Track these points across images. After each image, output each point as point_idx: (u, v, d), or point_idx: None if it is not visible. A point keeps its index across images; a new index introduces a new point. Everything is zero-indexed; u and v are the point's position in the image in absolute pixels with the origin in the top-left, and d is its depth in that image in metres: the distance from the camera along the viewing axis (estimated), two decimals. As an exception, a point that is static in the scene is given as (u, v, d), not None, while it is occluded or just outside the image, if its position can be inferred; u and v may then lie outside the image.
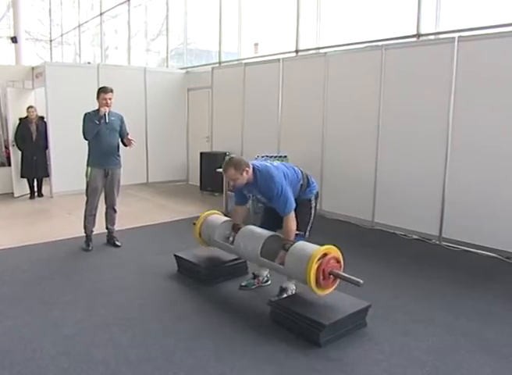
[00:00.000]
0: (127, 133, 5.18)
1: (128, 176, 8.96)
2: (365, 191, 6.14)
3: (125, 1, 13.33)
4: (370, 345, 3.08)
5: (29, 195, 8.10)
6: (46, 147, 8.00)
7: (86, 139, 5.05)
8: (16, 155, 7.98)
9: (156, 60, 13.39)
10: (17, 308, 3.61)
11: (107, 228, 5.35)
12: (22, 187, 8.11)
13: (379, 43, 6.10)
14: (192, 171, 9.74)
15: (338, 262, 3.34)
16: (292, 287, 3.78)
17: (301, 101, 6.90)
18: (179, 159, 9.90)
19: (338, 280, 3.34)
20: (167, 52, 11.58)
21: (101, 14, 15.11)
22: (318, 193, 3.94)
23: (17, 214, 6.93)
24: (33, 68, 9.28)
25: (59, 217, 6.81)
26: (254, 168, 3.63)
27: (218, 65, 9.27)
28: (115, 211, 5.30)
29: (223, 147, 8.34)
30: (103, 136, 4.99)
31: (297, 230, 3.66)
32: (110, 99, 4.96)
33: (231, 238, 3.87)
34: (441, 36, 5.80)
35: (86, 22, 16.63)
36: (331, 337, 3.08)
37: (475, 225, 5.08)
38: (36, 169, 7.95)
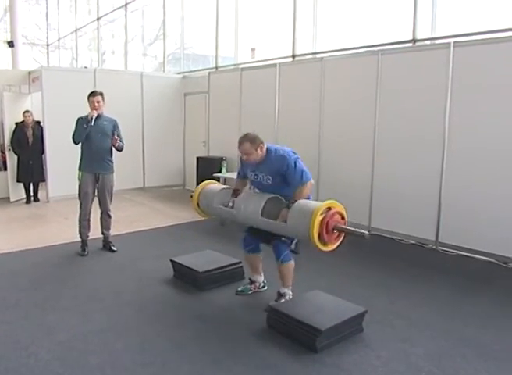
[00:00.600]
0: (116, 136, 5.08)
1: (124, 181, 8.99)
2: (362, 195, 6.13)
3: (122, 6, 13.34)
4: (366, 351, 3.07)
5: (25, 200, 8.07)
6: (42, 151, 7.99)
7: (74, 143, 5.06)
8: (12, 160, 7.96)
9: (153, 65, 13.40)
10: (13, 313, 3.59)
11: (102, 233, 5.34)
12: (18, 191, 8.09)
13: (375, 48, 6.12)
14: (188, 176, 9.72)
15: (342, 217, 3.28)
16: (289, 293, 3.77)
17: (298, 105, 6.91)
18: (175, 164, 9.89)
19: (341, 237, 3.27)
20: (164, 57, 11.59)
21: (98, 19, 15.13)
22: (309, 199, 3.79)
23: (13, 219, 6.90)
24: (29, 72, 9.27)
25: (55, 222, 6.78)
26: (268, 148, 3.62)
27: (214, 70, 9.29)
28: (109, 216, 5.29)
29: (220, 151, 8.34)
30: (94, 140, 4.97)
31: (284, 237, 3.61)
32: (98, 102, 4.96)
33: (230, 204, 3.76)
34: (437, 41, 5.83)
35: (83, 26, 16.64)
36: (327, 343, 3.07)
37: (472, 230, 5.09)
38: (32, 173, 7.93)
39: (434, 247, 5.44)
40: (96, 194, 5.19)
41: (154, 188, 9.49)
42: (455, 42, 5.14)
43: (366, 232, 3.12)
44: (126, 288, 4.15)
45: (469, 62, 5.02)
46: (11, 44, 17.07)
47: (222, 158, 7.98)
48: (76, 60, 17.66)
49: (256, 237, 3.83)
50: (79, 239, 5.22)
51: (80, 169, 5.12)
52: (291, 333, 3.19)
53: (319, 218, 3.13)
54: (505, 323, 3.51)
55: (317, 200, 3.91)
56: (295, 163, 3.51)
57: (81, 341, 3.15)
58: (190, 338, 3.22)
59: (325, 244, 3.22)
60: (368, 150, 6.01)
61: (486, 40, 5.00)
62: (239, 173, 4.01)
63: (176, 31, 11.36)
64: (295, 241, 3.64)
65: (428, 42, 5.98)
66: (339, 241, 3.32)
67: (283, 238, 3.61)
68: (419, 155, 5.52)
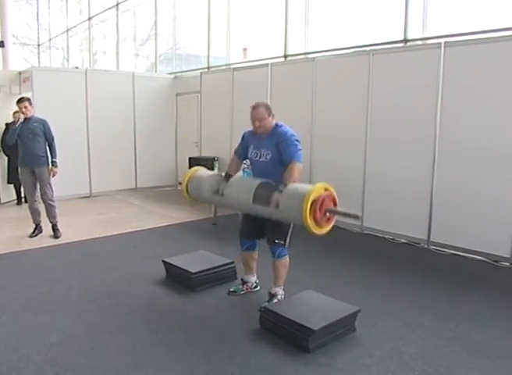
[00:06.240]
0: (54, 166, 5.72)
1: (117, 182, 8.99)
2: (354, 194, 6.14)
3: (113, 6, 13.30)
4: (359, 350, 3.08)
5: (16, 201, 8.01)
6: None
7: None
8: (2, 161, 7.90)
9: (145, 65, 13.36)
10: (3, 315, 3.55)
11: (50, 221, 5.85)
12: (9, 193, 8.02)
13: (367, 48, 6.13)
14: (181, 176, 9.69)
15: (334, 200, 3.24)
16: (280, 293, 3.77)
17: (290, 105, 6.90)
18: (167, 164, 9.86)
19: (334, 219, 3.23)
20: (156, 57, 11.56)
21: (89, 19, 15.07)
22: None
23: (4, 220, 6.84)
24: (20, 73, 9.21)
25: (46, 223, 6.72)
26: (276, 122, 3.66)
27: (206, 70, 9.28)
28: (50, 205, 5.80)
29: (212, 151, 8.33)
30: (26, 141, 5.62)
31: (277, 239, 3.61)
32: (26, 107, 5.58)
33: (221, 191, 3.68)
34: (428, 41, 5.86)
35: (74, 26, 16.57)
36: (320, 343, 3.07)
37: (463, 229, 5.12)
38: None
39: (426, 246, 5.47)
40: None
41: (147, 189, 9.46)
42: (446, 42, 5.17)
43: (359, 213, 3.07)
44: (119, 289, 4.12)
45: (460, 62, 5.04)
46: (1, 44, 16.95)
47: (214, 158, 7.97)
48: (68, 60, 17.58)
49: (249, 238, 3.85)
50: (70, 241, 5.37)
51: (18, 164, 5.83)
52: (284, 333, 3.19)
53: (311, 201, 3.07)
54: (497, 322, 3.53)
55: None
56: (295, 140, 3.51)
57: (73, 343, 3.13)
58: (183, 339, 3.21)
59: (318, 227, 3.16)
60: (360, 149, 6.03)
61: (477, 40, 5.02)
62: (236, 152, 3.91)
63: (167, 31, 11.34)
64: (289, 236, 3.63)
65: (419, 42, 6.01)
66: (332, 224, 3.26)
67: (277, 241, 3.61)
68: (411, 155, 5.54)
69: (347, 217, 3.16)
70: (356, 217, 3.09)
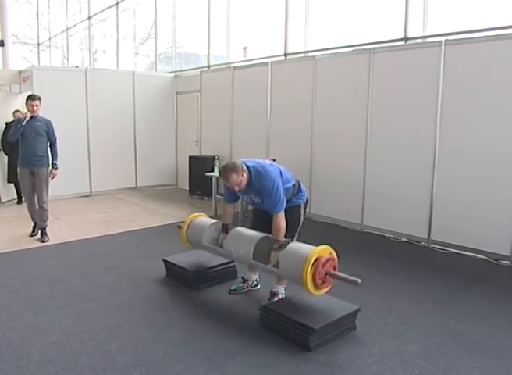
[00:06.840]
0: (54, 168, 5.63)
1: (117, 181, 8.99)
2: (354, 193, 6.15)
3: (113, 5, 13.28)
4: (359, 349, 3.08)
5: (16, 200, 8.01)
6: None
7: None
8: (2, 160, 7.90)
9: (145, 64, 13.34)
10: (4, 315, 3.55)
11: (39, 224, 5.73)
12: (9, 192, 8.02)
13: (367, 46, 6.12)
14: (181, 175, 9.70)
15: (332, 260, 3.29)
16: (282, 291, 3.77)
17: (290, 104, 6.91)
18: (168, 163, 9.86)
19: (332, 281, 3.30)
20: (156, 56, 11.55)
21: (89, 17, 15.05)
22: (307, 200, 3.86)
23: (4, 219, 6.84)
24: (20, 72, 9.22)
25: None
26: (247, 166, 3.52)
27: (206, 68, 9.27)
28: (43, 208, 5.65)
29: (212, 150, 8.33)
30: (28, 139, 5.50)
31: (285, 236, 3.62)
32: (37, 106, 5.48)
33: (220, 241, 3.81)
34: (428, 39, 5.84)
35: (74, 25, 16.55)
36: (320, 341, 3.07)
37: (464, 227, 5.11)
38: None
39: (426, 244, 5.46)
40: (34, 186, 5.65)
41: (147, 188, 9.46)
42: (446, 40, 5.16)
43: (358, 280, 3.08)
44: (119, 288, 4.12)
45: (460, 60, 5.03)
46: (1, 43, 16.92)
47: (214, 157, 7.97)
48: (68, 59, 17.57)
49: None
50: (70, 240, 5.36)
51: (18, 164, 5.70)
52: (284, 331, 3.19)
53: (312, 267, 3.14)
54: (497, 320, 3.53)
55: (309, 198, 3.94)
56: (275, 188, 3.45)
57: (73, 342, 3.13)
58: (183, 338, 3.21)
59: (318, 289, 3.23)
60: (361, 148, 6.02)
61: (477, 38, 5.02)
62: (225, 199, 3.89)
63: (167, 30, 11.32)
64: (296, 235, 3.72)
65: (419, 40, 5.99)
66: (330, 286, 3.32)
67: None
68: (411, 153, 5.54)
69: (346, 282, 3.17)
70: (355, 283, 3.09)
